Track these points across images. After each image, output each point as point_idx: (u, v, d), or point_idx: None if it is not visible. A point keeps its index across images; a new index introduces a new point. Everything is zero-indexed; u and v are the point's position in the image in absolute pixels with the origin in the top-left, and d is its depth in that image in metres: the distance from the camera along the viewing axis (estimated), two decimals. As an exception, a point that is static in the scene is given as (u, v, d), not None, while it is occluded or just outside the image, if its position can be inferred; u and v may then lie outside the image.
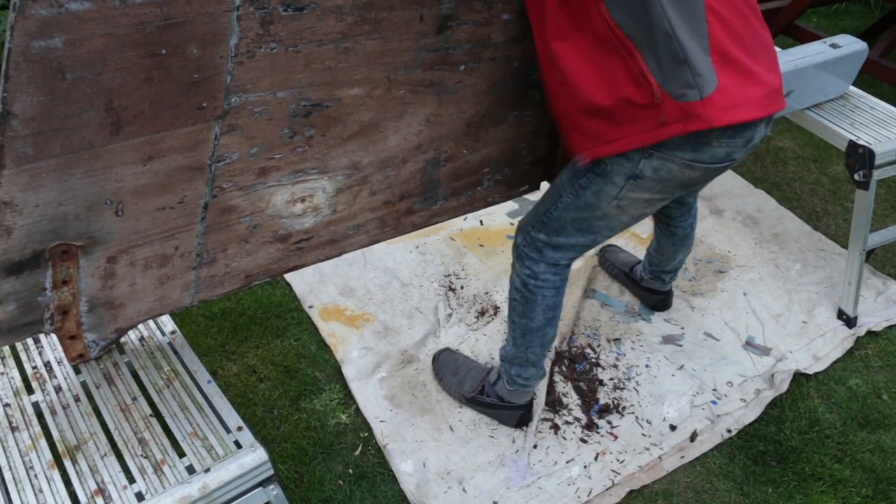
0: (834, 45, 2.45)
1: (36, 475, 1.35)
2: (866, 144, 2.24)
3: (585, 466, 2.04)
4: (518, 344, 1.96)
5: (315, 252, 1.62)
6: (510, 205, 2.95)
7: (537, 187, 2.00)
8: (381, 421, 2.14)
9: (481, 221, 2.87)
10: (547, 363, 2.28)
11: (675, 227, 2.23)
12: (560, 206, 1.71)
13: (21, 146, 1.07)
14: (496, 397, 2.10)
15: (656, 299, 2.50)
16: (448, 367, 2.22)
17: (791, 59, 2.37)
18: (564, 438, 2.12)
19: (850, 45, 2.45)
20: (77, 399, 1.48)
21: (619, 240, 2.80)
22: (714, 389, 2.25)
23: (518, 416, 2.11)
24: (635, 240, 2.81)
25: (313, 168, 1.48)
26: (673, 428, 2.15)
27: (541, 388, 2.20)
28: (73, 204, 1.20)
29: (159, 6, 1.10)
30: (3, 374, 1.53)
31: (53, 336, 1.56)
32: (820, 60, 2.39)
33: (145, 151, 1.22)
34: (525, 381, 2.03)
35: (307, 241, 1.58)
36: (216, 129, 1.28)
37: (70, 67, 1.06)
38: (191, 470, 1.34)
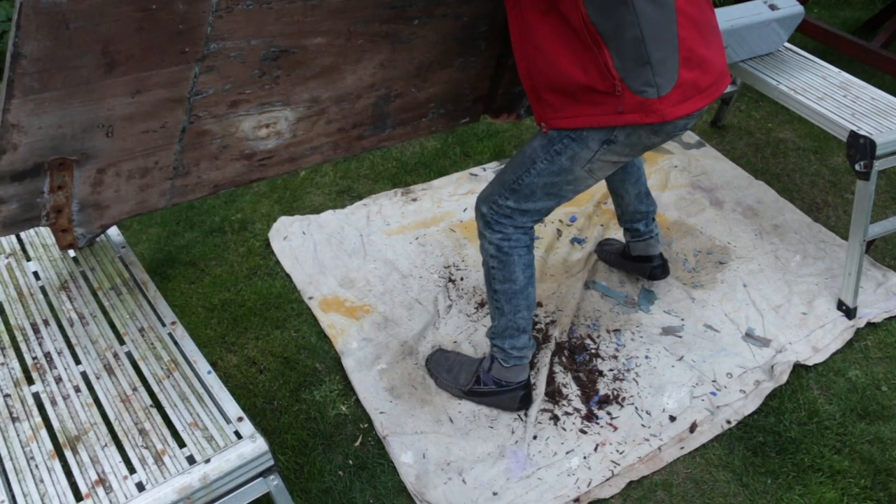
0: (772, 7, 2.61)
1: (37, 465, 1.35)
2: (867, 135, 2.24)
3: (585, 457, 2.05)
4: (506, 311, 2.00)
5: (275, 168, 1.85)
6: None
7: (477, 119, 2.23)
8: (381, 412, 2.14)
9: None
10: (547, 354, 2.28)
11: None
12: (533, 172, 1.80)
13: (28, 81, 1.27)
14: (493, 383, 2.11)
15: (650, 268, 2.50)
16: (441, 365, 2.23)
17: (730, 18, 2.54)
18: (564, 429, 2.12)
19: (788, 8, 2.64)
20: (77, 389, 1.48)
21: (618, 231, 2.80)
22: (714, 381, 2.25)
23: (519, 398, 2.11)
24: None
25: (278, 101, 1.70)
26: (672, 419, 2.15)
27: (540, 379, 2.21)
28: (71, 127, 1.41)
29: None
30: (3, 364, 1.54)
31: (55, 325, 1.56)
32: (756, 21, 2.57)
33: (134, 86, 1.42)
34: (519, 352, 2.05)
35: (269, 159, 1.82)
36: (196, 70, 1.49)
37: (72, 19, 1.24)
38: (191, 460, 1.35)
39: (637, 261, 2.52)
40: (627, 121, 1.64)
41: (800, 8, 2.65)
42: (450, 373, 2.20)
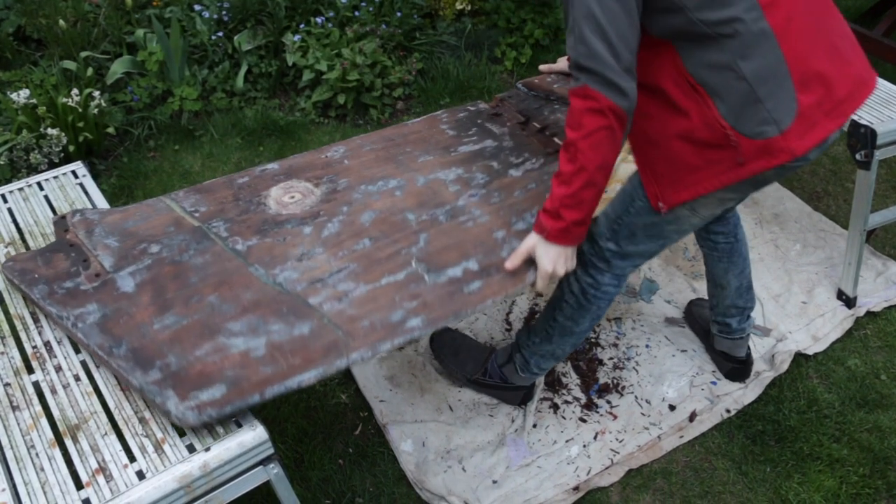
0: None
1: (37, 454, 1.35)
2: (868, 124, 2.23)
3: (585, 446, 2.05)
4: (553, 341, 1.93)
5: None
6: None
7: None
8: (381, 401, 2.14)
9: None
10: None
11: (714, 238, 2.04)
12: (632, 210, 1.68)
13: None
14: (499, 378, 2.10)
15: (729, 367, 2.23)
16: (448, 347, 2.21)
17: None
18: (564, 418, 2.12)
19: None
20: (77, 378, 1.48)
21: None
22: (714, 371, 2.25)
23: (521, 395, 2.11)
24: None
25: None
26: (672, 408, 2.15)
27: (540, 368, 2.21)
28: None
29: None
30: (3, 353, 1.53)
31: (50, 308, 1.56)
32: None
33: None
34: (541, 370, 2.02)
35: None
36: None
37: None
38: (191, 449, 1.35)
39: (718, 355, 2.26)
40: (753, 171, 1.47)
41: None
42: (456, 356, 2.18)
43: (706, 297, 2.35)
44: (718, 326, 2.19)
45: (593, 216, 1.73)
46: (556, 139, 2.05)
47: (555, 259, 1.61)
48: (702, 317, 2.36)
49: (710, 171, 1.50)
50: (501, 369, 2.09)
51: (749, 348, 2.20)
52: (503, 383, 2.10)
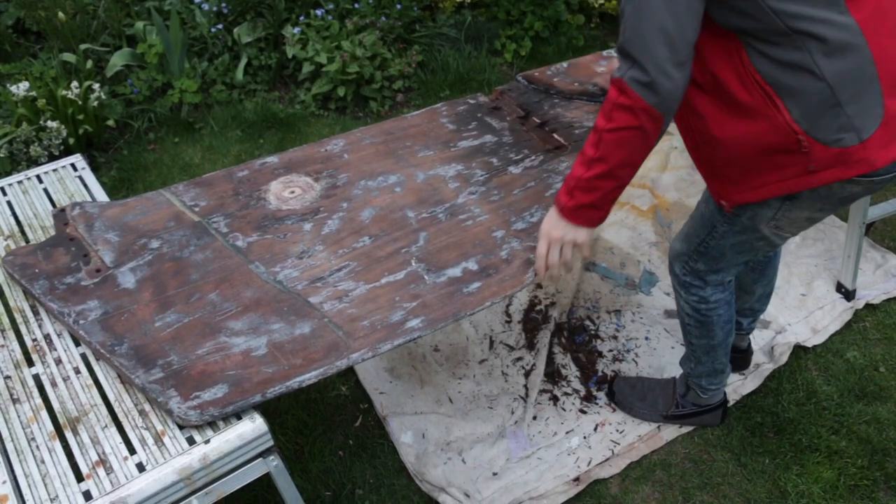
0: None
1: (38, 446, 1.35)
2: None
3: (585, 437, 2.06)
4: (703, 361, 1.92)
5: None
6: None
7: None
8: (381, 392, 2.15)
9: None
10: (546, 335, 2.28)
11: None
12: (716, 235, 1.63)
13: None
14: (692, 406, 2.05)
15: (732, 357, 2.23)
16: (631, 395, 2.11)
17: None
18: (564, 409, 2.13)
19: None
20: (77, 371, 1.48)
21: (616, 213, 2.79)
22: (712, 361, 2.26)
23: (721, 413, 2.06)
24: (635, 212, 2.81)
25: None
26: (671, 400, 2.16)
27: (540, 360, 2.21)
28: None
29: None
30: (3, 346, 1.54)
31: (51, 304, 1.56)
32: None
33: None
34: (717, 384, 1.98)
35: None
36: None
37: None
38: (191, 441, 1.35)
39: None
40: (824, 180, 1.34)
41: None
42: (644, 401, 2.09)
43: None
44: None
45: (677, 245, 1.69)
46: (555, 135, 2.05)
47: (555, 233, 1.54)
48: None
49: (777, 176, 1.39)
50: (687, 398, 2.04)
51: (749, 339, 2.21)
52: (698, 408, 2.05)
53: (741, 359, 2.21)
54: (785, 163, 1.36)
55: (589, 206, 1.49)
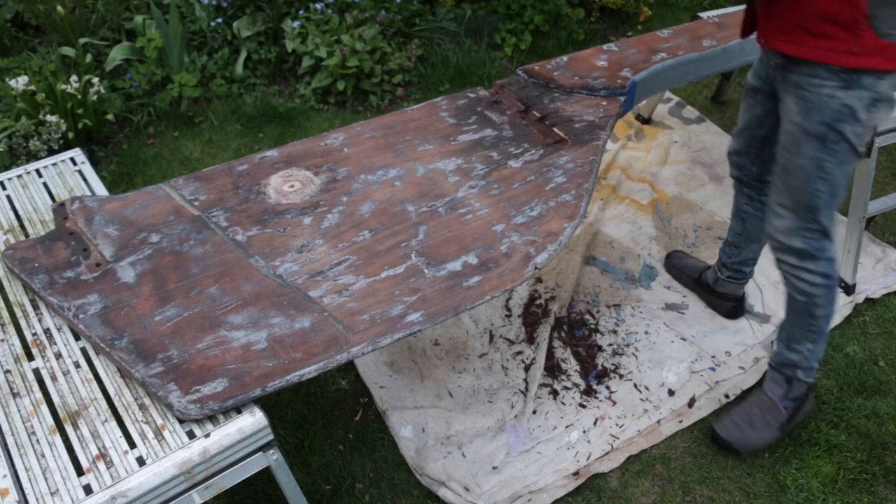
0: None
1: (38, 440, 1.35)
2: (869, 110, 2.22)
3: (584, 431, 2.06)
4: (824, 334, 1.91)
5: None
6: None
7: None
8: (381, 387, 2.15)
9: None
10: (546, 329, 2.28)
11: (766, 199, 2.09)
12: (827, 175, 1.65)
13: None
14: (792, 401, 2.00)
15: (729, 306, 2.37)
16: (740, 432, 2.01)
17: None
18: (563, 404, 2.13)
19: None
20: (77, 365, 1.48)
21: (616, 207, 2.79)
22: (713, 356, 2.26)
23: (812, 398, 2.05)
24: (635, 206, 2.80)
25: None
26: (671, 393, 2.16)
27: (539, 354, 2.21)
28: None
29: None
30: (3, 340, 1.54)
31: (51, 298, 1.56)
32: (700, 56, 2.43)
33: None
34: (818, 361, 1.97)
35: None
36: None
37: None
38: (191, 435, 1.35)
39: (719, 297, 2.37)
40: (862, 64, 1.46)
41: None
42: (755, 427, 2.00)
43: (681, 251, 2.57)
44: (730, 273, 2.31)
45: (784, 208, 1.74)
46: (556, 129, 2.04)
47: None
48: (687, 266, 2.49)
49: (821, 42, 1.48)
50: (788, 397, 2.00)
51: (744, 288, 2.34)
52: (799, 401, 2.01)
53: (739, 307, 2.36)
54: (833, 35, 1.46)
55: None
